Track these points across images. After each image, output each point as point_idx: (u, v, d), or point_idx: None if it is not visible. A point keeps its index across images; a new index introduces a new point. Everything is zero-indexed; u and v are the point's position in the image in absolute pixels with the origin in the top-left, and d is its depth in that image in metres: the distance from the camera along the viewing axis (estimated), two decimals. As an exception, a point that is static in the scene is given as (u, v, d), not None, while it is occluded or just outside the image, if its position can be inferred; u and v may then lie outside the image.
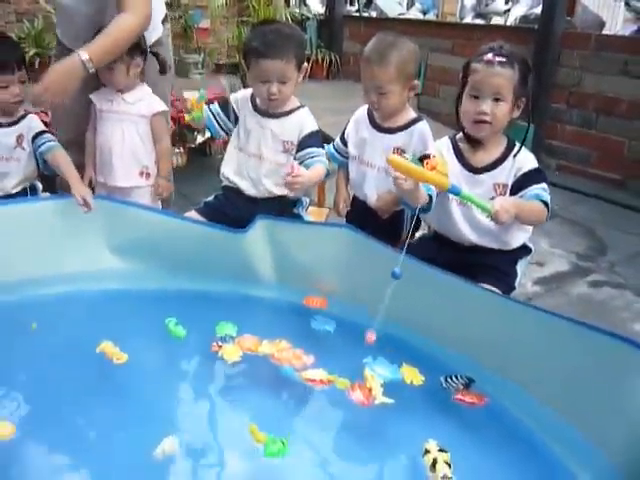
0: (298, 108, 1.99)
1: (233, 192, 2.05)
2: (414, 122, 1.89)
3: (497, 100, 1.60)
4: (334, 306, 1.80)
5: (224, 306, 1.84)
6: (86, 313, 1.82)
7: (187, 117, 2.00)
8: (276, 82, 1.85)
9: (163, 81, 2.24)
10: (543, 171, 1.69)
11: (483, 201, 1.51)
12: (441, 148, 1.76)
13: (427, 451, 1.24)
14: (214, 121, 2.03)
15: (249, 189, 2.01)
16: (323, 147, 1.99)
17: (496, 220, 1.51)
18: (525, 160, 1.67)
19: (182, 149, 4.12)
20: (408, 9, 8.12)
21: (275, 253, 1.92)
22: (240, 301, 1.89)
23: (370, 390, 1.38)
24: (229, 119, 2.03)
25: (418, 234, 1.98)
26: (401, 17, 6.48)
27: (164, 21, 2.23)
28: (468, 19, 6.41)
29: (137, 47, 2.04)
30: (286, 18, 5.19)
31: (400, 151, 1.82)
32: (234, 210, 2.02)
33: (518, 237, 1.73)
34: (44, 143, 2.05)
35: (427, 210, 1.67)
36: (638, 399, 1.28)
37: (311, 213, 2.28)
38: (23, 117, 2.08)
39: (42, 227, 1.95)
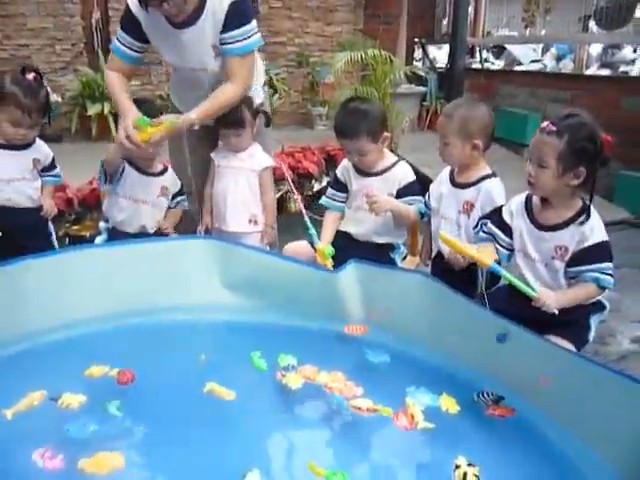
0: (395, 164, 2.27)
1: (344, 236, 2.34)
2: (484, 179, 2.03)
3: (541, 166, 1.71)
4: (394, 340, 1.98)
5: (305, 339, 2.05)
6: (193, 341, 2.10)
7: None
8: (356, 154, 2.14)
9: (268, 135, 2.63)
10: (609, 247, 1.74)
11: (527, 287, 1.67)
12: (512, 204, 1.88)
13: (457, 466, 1.36)
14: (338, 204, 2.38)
15: (356, 235, 2.31)
16: (422, 195, 2.23)
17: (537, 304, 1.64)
18: (592, 231, 1.73)
19: (300, 196, 4.46)
20: (542, 55, 8.09)
21: (364, 293, 2.10)
22: (322, 335, 2.08)
23: (412, 417, 1.53)
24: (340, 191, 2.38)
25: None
26: (518, 69, 6.56)
27: (264, 85, 2.63)
28: (593, 69, 6.29)
29: (256, 112, 2.41)
30: (405, 75, 5.47)
31: (470, 205, 1.97)
32: (342, 251, 2.24)
33: (588, 297, 1.78)
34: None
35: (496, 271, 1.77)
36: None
37: (405, 262, 2.47)
38: (165, 171, 2.50)
39: (170, 263, 2.29)
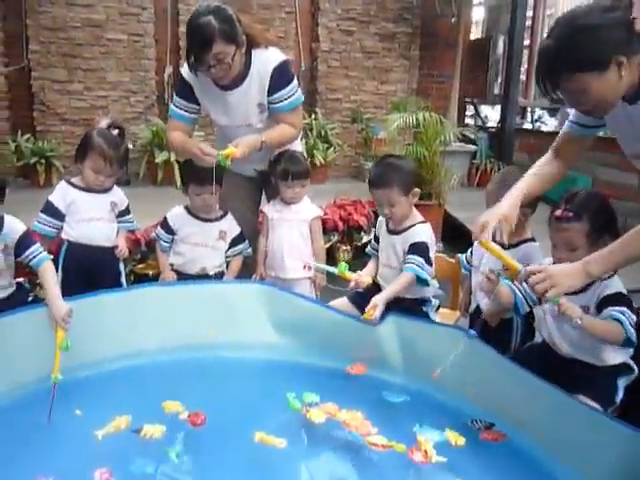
0: (416, 224, 2.40)
1: (376, 287, 2.47)
2: (524, 242, 2.15)
3: (572, 250, 1.82)
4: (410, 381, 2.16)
5: (338, 380, 2.18)
6: (242, 378, 2.27)
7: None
8: (386, 206, 2.29)
9: None
10: (627, 296, 1.82)
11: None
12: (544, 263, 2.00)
13: None
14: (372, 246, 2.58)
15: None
16: (424, 257, 2.31)
17: (559, 311, 1.71)
18: (609, 284, 1.82)
19: (349, 246, 4.66)
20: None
21: (401, 344, 2.23)
22: (353, 378, 2.21)
23: (426, 452, 1.67)
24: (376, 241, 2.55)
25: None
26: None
27: (301, 139, 2.87)
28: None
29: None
30: (455, 136, 5.65)
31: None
32: None
33: (613, 355, 1.85)
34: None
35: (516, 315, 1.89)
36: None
37: (442, 314, 2.59)
38: (224, 216, 2.71)
39: (226, 304, 2.47)
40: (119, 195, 2.71)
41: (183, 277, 2.66)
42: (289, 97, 2.50)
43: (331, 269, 2.35)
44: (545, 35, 1.66)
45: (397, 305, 2.29)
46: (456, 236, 4.71)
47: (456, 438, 1.79)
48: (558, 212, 1.84)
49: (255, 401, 2.05)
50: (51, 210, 2.55)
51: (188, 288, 2.51)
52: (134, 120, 6.09)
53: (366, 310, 2.20)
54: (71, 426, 1.91)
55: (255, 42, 2.46)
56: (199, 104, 2.58)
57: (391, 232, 2.43)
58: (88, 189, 2.59)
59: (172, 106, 2.61)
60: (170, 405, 1.91)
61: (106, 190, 2.63)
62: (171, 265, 2.71)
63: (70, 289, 2.40)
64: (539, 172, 1.97)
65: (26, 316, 2.14)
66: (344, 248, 4.53)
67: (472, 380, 2.00)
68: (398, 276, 2.32)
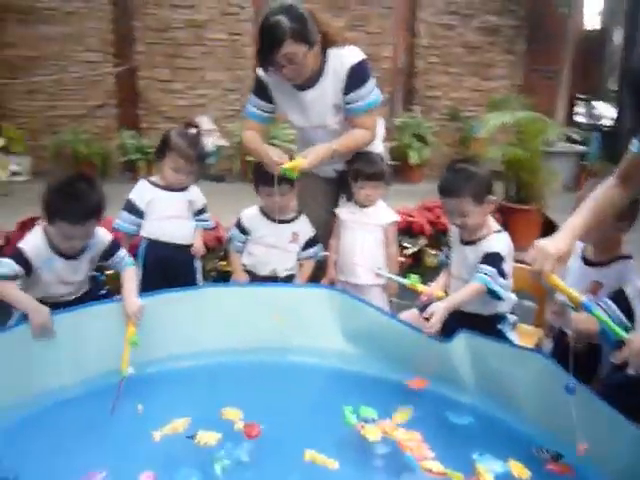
0: (491, 234, 2.19)
1: None
2: (617, 259, 1.91)
3: None
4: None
5: (403, 396, 2.06)
6: (303, 384, 2.21)
7: None
8: (457, 216, 2.12)
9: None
10: None
11: (617, 328, 1.54)
12: None
13: None
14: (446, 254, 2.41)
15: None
16: (497, 268, 2.11)
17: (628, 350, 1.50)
18: None
19: (437, 251, 4.46)
20: None
21: (471, 363, 2.06)
22: (416, 394, 2.08)
23: None
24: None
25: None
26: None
27: (383, 140, 2.72)
28: None
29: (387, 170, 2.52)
30: (565, 136, 5.27)
31: (598, 285, 1.86)
32: (450, 317, 2.24)
33: None
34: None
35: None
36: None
37: (523, 332, 2.38)
38: (297, 217, 2.67)
39: (295, 307, 2.41)
40: (196, 194, 2.73)
41: (255, 278, 2.63)
42: (365, 98, 2.39)
43: (401, 280, 2.21)
44: None
45: (469, 322, 2.12)
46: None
47: (520, 471, 1.63)
48: None
49: (312, 412, 1.99)
50: (131, 208, 2.61)
51: (258, 290, 2.48)
52: (231, 118, 6.22)
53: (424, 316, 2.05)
54: (131, 422, 1.93)
55: (331, 41, 2.37)
56: (273, 103, 2.54)
57: (463, 242, 2.26)
58: (167, 187, 2.62)
59: (248, 105, 2.58)
60: (229, 412, 1.88)
61: (184, 189, 2.66)
62: (243, 265, 2.69)
63: (148, 286, 2.47)
64: (601, 202, 1.69)
65: (99, 310, 2.20)
66: (432, 252, 4.34)
67: (546, 407, 1.83)
68: (465, 285, 2.14)
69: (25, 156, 6.02)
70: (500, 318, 2.21)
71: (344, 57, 2.36)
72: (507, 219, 4.22)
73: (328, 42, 2.36)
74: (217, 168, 6.21)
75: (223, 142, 6.07)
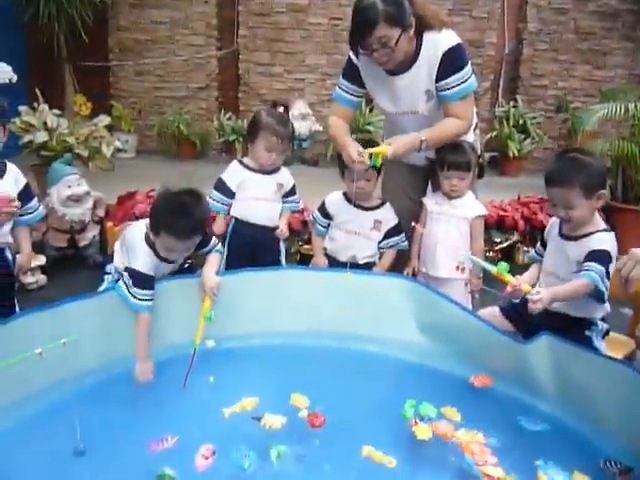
0: (596, 232, 2.02)
1: None
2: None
3: None
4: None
5: (471, 395, 1.99)
6: (372, 375, 2.17)
7: None
8: (562, 207, 1.96)
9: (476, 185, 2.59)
10: None
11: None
12: None
13: None
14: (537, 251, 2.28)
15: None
16: (605, 268, 1.93)
17: None
18: None
19: (531, 248, 4.25)
20: None
21: (555, 371, 1.94)
22: (488, 395, 2.01)
23: None
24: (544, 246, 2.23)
25: None
26: None
27: (475, 129, 2.57)
28: None
29: (478, 161, 2.42)
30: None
31: None
32: (531, 316, 2.12)
33: None
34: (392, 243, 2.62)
35: None
36: None
37: (613, 341, 2.20)
38: (382, 205, 2.62)
39: (371, 296, 2.40)
40: (286, 176, 2.74)
41: (334, 263, 2.62)
42: (459, 84, 2.28)
43: (489, 267, 2.09)
44: None
45: (555, 322, 2.00)
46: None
47: None
48: None
49: (377, 404, 1.96)
50: (222, 188, 2.66)
51: (336, 275, 2.46)
52: (327, 102, 6.22)
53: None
54: (203, 395, 2.00)
55: (427, 24, 2.28)
56: (365, 88, 2.49)
57: (564, 236, 2.10)
58: (258, 170, 2.65)
59: (337, 88, 2.55)
60: (296, 399, 1.88)
61: (274, 171, 2.68)
62: (324, 250, 2.68)
63: (234, 265, 2.54)
64: None
65: (179, 284, 2.28)
66: (524, 249, 4.13)
67: (626, 421, 1.71)
68: (573, 280, 1.98)
69: (131, 134, 6.37)
70: (590, 323, 2.06)
71: (439, 41, 2.27)
72: (612, 219, 3.92)
73: (424, 26, 2.27)
74: (311, 152, 6.26)
75: (318, 127, 6.10)
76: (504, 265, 2.03)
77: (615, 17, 6.14)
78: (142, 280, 2.12)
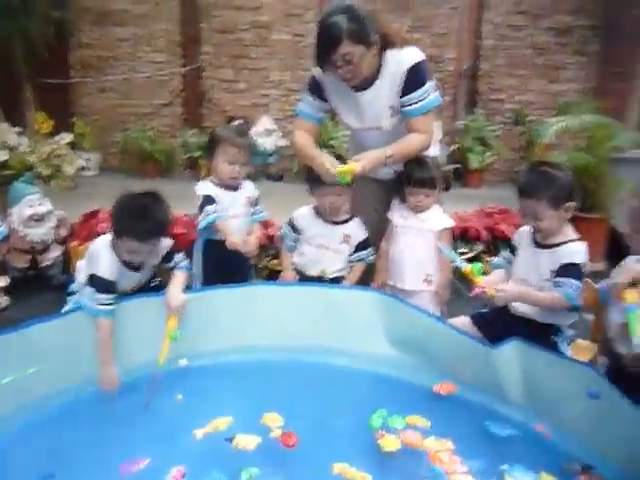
0: (571, 241, 2.11)
1: (503, 307, 2.23)
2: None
3: None
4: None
5: (442, 403, 2.03)
6: (340, 389, 2.17)
7: None
8: (532, 218, 2.06)
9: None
10: None
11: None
12: None
13: None
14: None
15: (516, 309, 2.18)
16: (579, 280, 2.02)
17: None
18: None
19: (494, 258, 4.34)
20: None
21: (523, 375, 1.99)
22: (457, 402, 2.05)
23: None
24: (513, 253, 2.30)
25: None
26: None
27: (440, 142, 2.66)
28: None
29: (442, 175, 2.48)
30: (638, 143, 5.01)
31: None
32: (502, 324, 2.18)
33: None
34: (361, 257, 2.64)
35: None
36: None
37: (577, 346, 2.27)
38: (350, 219, 2.64)
39: (340, 309, 2.42)
40: (251, 188, 2.72)
41: (303, 278, 2.64)
42: (422, 100, 2.35)
43: (461, 263, 2.15)
44: None
45: (525, 327, 2.06)
46: (623, 255, 4.17)
47: None
48: None
49: (349, 418, 1.97)
50: (212, 200, 2.56)
51: (304, 289, 2.49)
52: (292, 118, 6.25)
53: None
54: (173, 415, 1.99)
55: (390, 42, 2.34)
56: (329, 104, 2.53)
57: (538, 244, 2.18)
58: (226, 187, 2.61)
59: (300, 104, 2.58)
60: (269, 417, 1.87)
61: (239, 187, 2.66)
62: (293, 264, 2.70)
63: (205, 282, 2.54)
64: None
65: (145, 303, 2.27)
66: (488, 259, 4.22)
67: (593, 424, 1.76)
68: (549, 291, 2.06)
69: (94, 152, 6.29)
70: (557, 330, 2.13)
71: (402, 58, 2.33)
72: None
73: (387, 43, 2.33)
74: (277, 167, 6.28)
75: (283, 142, 6.14)
76: (479, 266, 2.09)
77: (568, 33, 6.37)
78: (102, 284, 2.12)
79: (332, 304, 2.43)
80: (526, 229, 2.26)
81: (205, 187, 2.61)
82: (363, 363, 2.32)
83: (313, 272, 2.62)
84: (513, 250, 2.31)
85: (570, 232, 2.14)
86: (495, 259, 2.42)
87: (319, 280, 2.59)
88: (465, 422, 1.96)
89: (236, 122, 2.64)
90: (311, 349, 2.35)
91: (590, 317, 2.59)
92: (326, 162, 2.33)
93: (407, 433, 1.80)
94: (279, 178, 6.20)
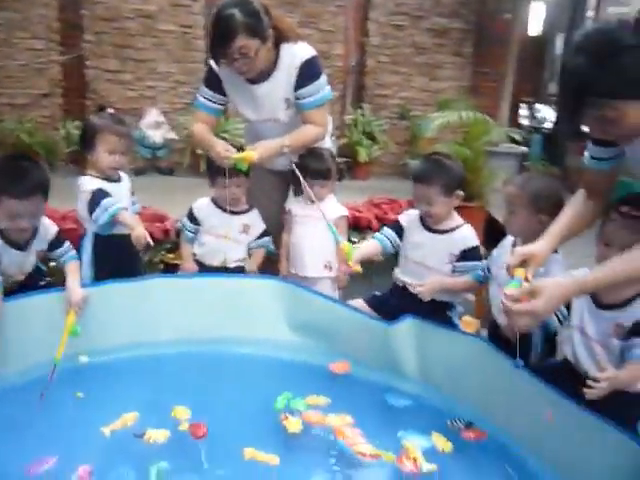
0: (461, 226, 2.32)
1: (399, 288, 2.39)
2: None
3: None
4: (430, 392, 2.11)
5: (342, 385, 2.14)
6: (246, 376, 2.23)
7: None
8: (424, 203, 2.22)
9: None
10: None
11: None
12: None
13: None
14: (388, 243, 2.44)
15: (413, 288, 2.33)
16: (480, 260, 2.26)
17: None
18: None
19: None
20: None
21: (418, 350, 2.15)
22: (357, 381, 2.18)
23: (415, 460, 1.60)
24: (401, 239, 2.43)
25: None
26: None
27: (331, 135, 2.79)
28: None
29: (337, 166, 2.58)
30: (508, 137, 5.47)
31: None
32: (397, 304, 2.33)
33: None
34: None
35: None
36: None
37: (464, 322, 2.48)
38: (249, 210, 2.69)
39: (242, 298, 2.46)
40: (126, 178, 2.62)
41: (204, 268, 2.65)
42: (315, 93, 2.44)
43: (340, 239, 2.28)
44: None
45: (421, 306, 2.22)
46: (497, 240, 4.54)
47: (444, 444, 1.76)
48: (625, 208, 1.68)
49: (254, 404, 2.00)
50: (104, 195, 2.42)
51: (204, 280, 2.51)
52: (181, 111, 6.16)
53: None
54: (81, 413, 1.94)
55: (284, 36, 2.41)
56: (226, 96, 2.56)
57: (431, 230, 2.33)
58: (107, 178, 2.49)
59: (198, 96, 2.59)
60: (178, 410, 1.87)
61: (120, 178, 2.56)
62: (194, 255, 2.70)
63: (101, 277, 2.43)
64: (576, 212, 1.80)
65: (42, 299, 2.19)
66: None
67: (481, 387, 1.97)
68: (463, 277, 2.27)
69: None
70: (451, 306, 2.33)
71: (296, 53, 2.41)
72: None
73: (281, 38, 2.40)
74: (167, 161, 6.15)
75: (173, 135, 6.02)
76: (351, 247, 2.22)
77: (445, 34, 6.79)
78: None
79: (233, 293, 2.47)
80: (414, 213, 2.40)
81: (92, 182, 2.47)
82: (266, 349, 2.38)
83: (214, 262, 2.65)
84: (400, 230, 2.43)
85: (458, 218, 2.33)
86: (377, 234, 2.51)
87: (220, 270, 2.62)
88: (364, 397, 2.08)
89: (109, 110, 2.57)
90: (214, 339, 2.37)
91: (470, 297, 2.85)
92: (221, 149, 2.36)
93: (309, 413, 1.89)
94: (170, 172, 6.08)
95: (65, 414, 1.92)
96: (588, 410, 1.61)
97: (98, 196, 2.40)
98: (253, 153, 2.34)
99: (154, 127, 5.93)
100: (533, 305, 1.49)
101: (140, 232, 2.41)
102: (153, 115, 5.98)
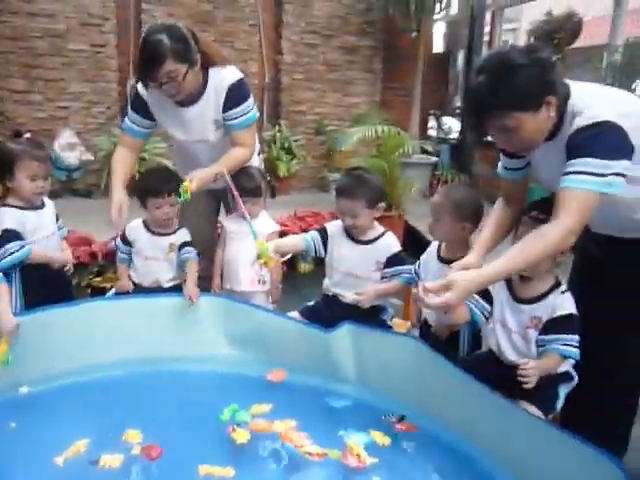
0: (383, 234, 2.47)
1: (330, 298, 2.52)
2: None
3: None
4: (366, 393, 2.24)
5: (284, 392, 2.24)
6: (189, 392, 2.27)
7: None
8: (349, 216, 2.36)
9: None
10: (576, 319, 1.87)
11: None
12: None
13: None
14: (312, 244, 2.53)
15: (345, 298, 2.46)
16: (407, 263, 2.43)
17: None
18: (563, 303, 1.89)
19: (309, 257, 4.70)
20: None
21: (355, 353, 2.28)
22: (299, 388, 2.28)
23: (358, 455, 1.74)
24: (325, 246, 2.53)
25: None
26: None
27: (259, 153, 2.91)
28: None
29: (267, 183, 2.68)
30: (420, 148, 5.78)
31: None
32: (330, 313, 2.45)
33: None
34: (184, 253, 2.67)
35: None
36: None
37: (395, 324, 2.65)
38: (178, 230, 2.72)
39: (178, 316, 2.52)
40: (50, 204, 2.57)
41: (140, 289, 2.67)
42: (243, 115, 2.54)
43: (255, 233, 2.31)
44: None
45: (356, 312, 2.35)
46: (416, 246, 4.78)
47: (382, 439, 1.91)
48: (534, 212, 1.86)
49: (203, 420, 2.04)
50: (16, 236, 2.35)
51: (139, 301, 2.54)
52: (95, 131, 6.05)
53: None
54: (31, 443, 1.90)
55: (211, 60, 2.49)
56: (153, 119, 2.60)
57: (357, 241, 2.45)
58: (28, 207, 2.43)
59: (126, 119, 2.62)
60: (129, 434, 1.89)
61: (43, 205, 2.51)
62: (129, 276, 2.71)
63: (30, 304, 2.38)
64: (498, 220, 2.01)
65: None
66: (305, 260, 4.57)
67: (414, 384, 2.13)
68: (391, 281, 2.41)
69: None
70: (383, 309, 2.48)
71: (225, 76, 2.50)
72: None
73: (208, 61, 2.48)
74: (83, 183, 6.01)
75: (89, 156, 5.89)
76: (266, 247, 2.29)
77: (355, 52, 7.07)
78: None
79: (170, 313, 2.52)
80: (338, 224, 2.52)
81: (8, 216, 2.36)
82: (206, 365, 2.43)
83: (147, 283, 2.66)
84: (325, 236, 2.52)
85: (379, 227, 2.50)
86: (305, 234, 2.61)
87: (156, 290, 2.64)
88: (305, 401, 2.19)
89: (26, 135, 2.53)
90: (155, 359, 2.39)
91: (397, 302, 3.02)
92: (115, 210, 2.44)
93: (255, 422, 1.97)
94: (87, 194, 5.94)
95: (12, 448, 1.88)
96: (505, 397, 1.83)
97: (5, 238, 2.32)
98: (190, 184, 2.38)
99: (68, 149, 5.78)
100: (447, 298, 1.67)
101: (59, 260, 2.40)
102: (66, 136, 5.82)
